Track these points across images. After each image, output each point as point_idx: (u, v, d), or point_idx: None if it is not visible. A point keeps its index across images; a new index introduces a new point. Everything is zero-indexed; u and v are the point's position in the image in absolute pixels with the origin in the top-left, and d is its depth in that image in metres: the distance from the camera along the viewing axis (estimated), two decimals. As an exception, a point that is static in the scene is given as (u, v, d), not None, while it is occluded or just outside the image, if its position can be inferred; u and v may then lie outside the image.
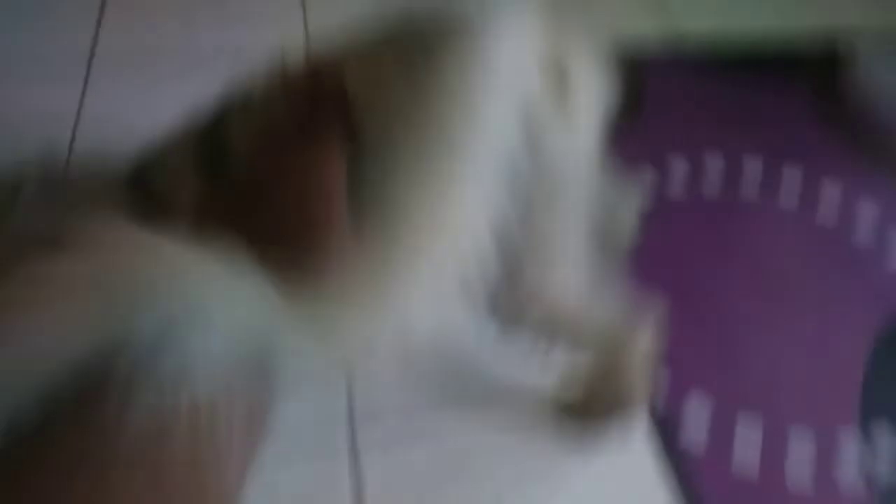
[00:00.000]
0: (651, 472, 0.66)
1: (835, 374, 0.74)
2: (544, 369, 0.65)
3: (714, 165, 0.91)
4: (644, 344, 0.59)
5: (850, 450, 0.69)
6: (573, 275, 0.54)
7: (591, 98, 0.51)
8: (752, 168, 0.92)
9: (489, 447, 0.65)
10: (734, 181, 0.90)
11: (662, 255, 0.81)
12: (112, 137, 0.73)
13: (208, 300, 0.34)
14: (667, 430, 0.69)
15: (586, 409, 0.65)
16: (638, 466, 0.67)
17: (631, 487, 0.65)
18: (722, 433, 0.69)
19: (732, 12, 1.14)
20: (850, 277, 0.83)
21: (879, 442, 0.69)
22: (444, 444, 0.64)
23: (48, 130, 0.79)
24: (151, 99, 0.83)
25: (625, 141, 0.81)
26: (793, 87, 1.04)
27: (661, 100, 1.00)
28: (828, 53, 1.09)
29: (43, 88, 0.84)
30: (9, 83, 0.85)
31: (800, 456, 0.69)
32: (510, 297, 0.53)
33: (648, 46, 1.05)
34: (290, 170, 0.44)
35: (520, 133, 0.44)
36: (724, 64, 1.06)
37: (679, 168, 0.90)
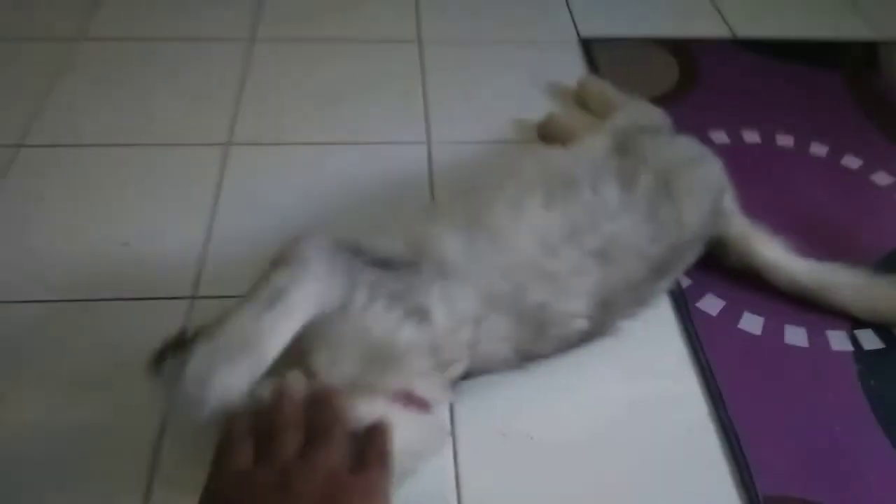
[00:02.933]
0: (671, 326, 0.86)
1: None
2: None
3: (751, 138, 1.12)
4: None
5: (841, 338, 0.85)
6: None
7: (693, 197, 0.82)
8: (784, 143, 1.12)
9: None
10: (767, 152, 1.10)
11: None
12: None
13: None
14: (684, 300, 0.88)
15: None
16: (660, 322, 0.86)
17: (652, 338, 0.84)
18: (730, 315, 0.87)
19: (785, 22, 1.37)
20: (861, 213, 1.00)
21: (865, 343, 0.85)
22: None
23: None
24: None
25: (676, 113, 1.05)
26: (830, 80, 1.23)
27: (712, 78, 1.22)
28: (868, 53, 1.30)
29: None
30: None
31: (797, 333, 0.86)
32: None
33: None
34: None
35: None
36: (773, 54, 1.28)
37: (719, 140, 1.12)
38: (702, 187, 0.85)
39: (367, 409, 0.59)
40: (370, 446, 0.55)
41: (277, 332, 0.60)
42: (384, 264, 0.69)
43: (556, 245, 0.74)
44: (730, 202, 0.89)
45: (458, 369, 0.70)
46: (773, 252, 0.87)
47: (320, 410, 0.55)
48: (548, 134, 1.09)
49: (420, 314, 0.67)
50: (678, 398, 0.79)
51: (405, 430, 0.60)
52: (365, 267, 0.67)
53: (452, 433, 0.74)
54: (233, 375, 0.57)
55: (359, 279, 0.65)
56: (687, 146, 0.93)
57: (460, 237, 0.73)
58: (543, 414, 0.76)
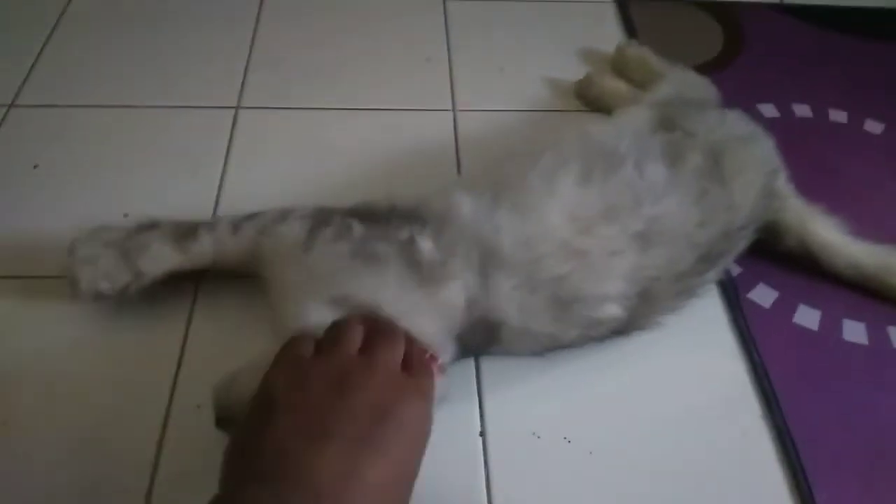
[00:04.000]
0: (719, 319, 0.79)
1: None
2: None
3: (801, 112, 1.04)
4: None
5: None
6: None
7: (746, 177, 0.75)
8: (837, 118, 1.03)
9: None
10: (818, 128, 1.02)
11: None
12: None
13: None
14: (735, 290, 0.81)
15: None
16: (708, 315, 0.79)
17: (699, 333, 0.77)
18: (784, 307, 0.80)
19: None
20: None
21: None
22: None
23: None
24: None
25: (720, 84, 0.97)
26: (889, 53, 1.13)
27: (759, 46, 1.13)
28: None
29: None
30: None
31: (856, 329, 0.79)
32: None
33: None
34: None
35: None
36: (826, 22, 1.18)
37: (768, 114, 1.03)
38: (754, 167, 0.78)
39: None
40: (417, 356, 0.58)
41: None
42: (377, 217, 0.68)
43: (589, 223, 0.68)
44: (783, 183, 0.81)
45: (456, 308, 0.65)
46: (832, 234, 0.80)
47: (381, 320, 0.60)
48: (587, 95, 1.01)
49: (398, 245, 0.65)
50: (728, 400, 0.72)
51: None
52: (342, 216, 0.68)
53: (483, 432, 0.68)
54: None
55: (330, 223, 0.68)
56: (737, 122, 0.85)
57: (478, 200, 0.69)
58: (580, 415, 0.70)
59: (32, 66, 1.01)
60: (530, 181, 0.70)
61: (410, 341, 0.60)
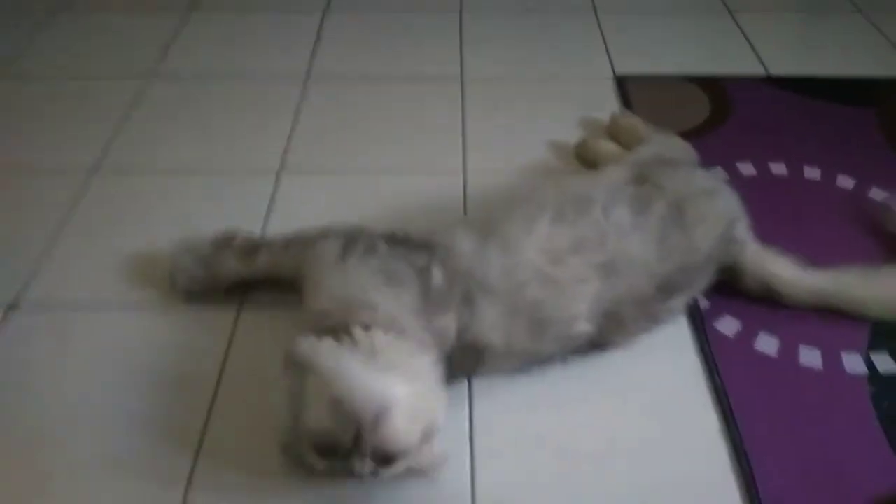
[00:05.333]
0: (686, 345, 0.89)
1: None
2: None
3: (777, 170, 1.15)
4: None
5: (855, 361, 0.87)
6: None
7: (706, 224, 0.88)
8: (811, 175, 1.15)
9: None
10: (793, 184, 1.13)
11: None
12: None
13: None
14: (702, 320, 0.91)
15: None
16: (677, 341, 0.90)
17: (668, 356, 0.88)
18: (746, 336, 0.90)
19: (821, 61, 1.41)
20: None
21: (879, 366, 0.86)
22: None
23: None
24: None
25: (705, 147, 1.10)
26: (863, 115, 1.26)
27: (743, 113, 1.26)
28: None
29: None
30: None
31: (811, 355, 0.88)
32: None
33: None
34: None
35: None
36: (805, 91, 1.32)
37: (746, 172, 1.15)
38: (715, 216, 0.90)
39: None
40: None
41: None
42: (397, 240, 0.84)
43: (560, 256, 0.82)
44: (743, 231, 0.93)
45: (450, 335, 0.77)
46: (788, 269, 0.91)
47: None
48: (583, 156, 1.16)
49: (416, 269, 0.80)
50: (691, 414, 0.82)
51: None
52: (370, 236, 0.84)
53: (470, 435, 0.80)
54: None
55: (360, 241, 0.83)
56: (704, 178, 0.99)
57: (474, 238, 0.83)
58: (558, 422, 0.81)
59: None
60: (513, 222, 0.85)
61: None
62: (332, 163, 1.17)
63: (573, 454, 0.78)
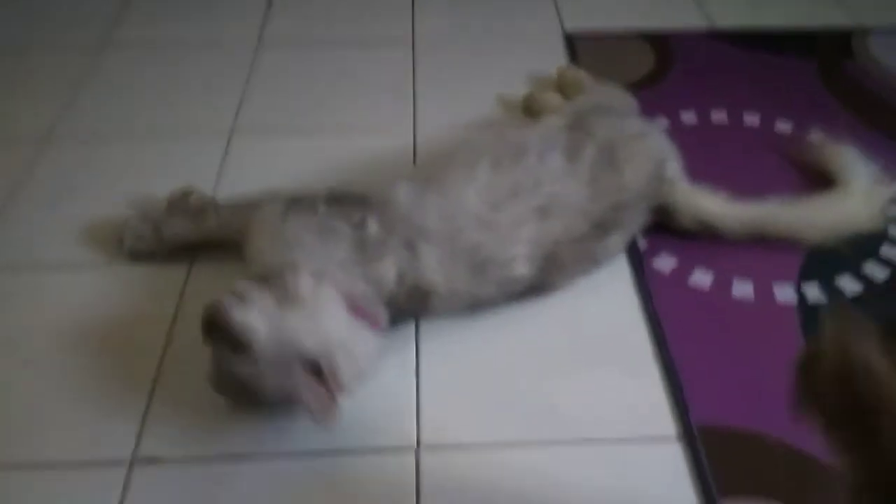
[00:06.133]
0: (625, 282, 0.93)
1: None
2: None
3: (718, 118, 1.19)
4: None
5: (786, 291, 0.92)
6: None
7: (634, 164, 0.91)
8: (750, 121, 1.18)
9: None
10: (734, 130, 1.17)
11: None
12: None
13: None
14: (639, 258, 0.95)
15: None
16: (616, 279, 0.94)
17: (607, 292, 0.92)
18: (681, 272, 0.94)
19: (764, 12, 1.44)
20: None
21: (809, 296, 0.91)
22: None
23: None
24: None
25: (648, 98, 1.13)
26: (803, 65, 1.29)
27: (686, 65, 1.30)
28: (843, 41, 1.35)
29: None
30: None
31: (744, 287, 0.92)
32: None
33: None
34: None
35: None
36: (747, 43, 1.35)
37: (688, 121, 1.19)
38: (644, 157, 0.94)
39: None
40: None
41: None
42: (335, 198, 0.87)
43: (498, 201, 0.85)
44: (674, 170, 0.96)
45: (388, 280, 0.81)
46: (719, 204, 0.95)
47: None
48: (530, 109, 1.19)
49: (351, 224, 0.83)
50: (626, 341, 0.86)
51: (360, 342, 0.75)
52: (315, 198, 0.87)
53: (416, 362, 0.84)
54: None
55: (303, 202, 0.86)
56: (634, 123, 1.02)
57: (413, 187, 0.86)
58: (498, 351, 0.85)
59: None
60: (451, 170, 0.88)
61: None
62: (283, 124, 1.19)
63: (512, 384, 0.82)
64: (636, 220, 0.93)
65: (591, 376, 0.82)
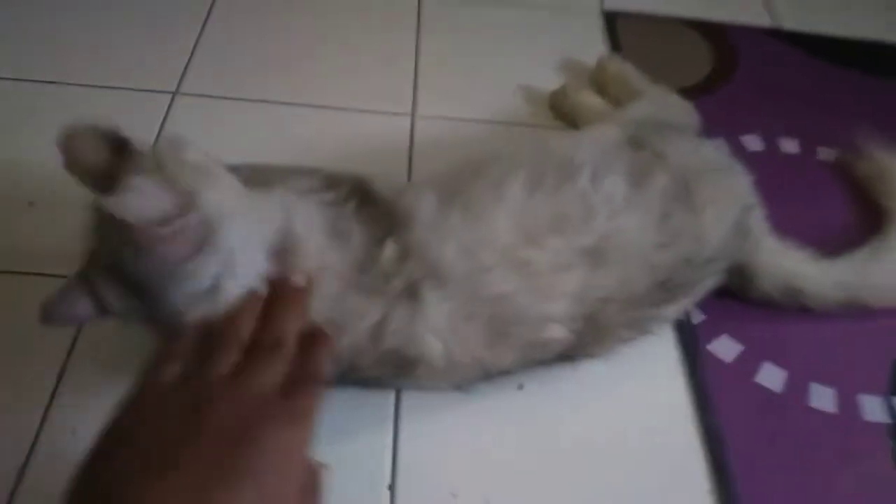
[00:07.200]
0: (674, 370, 0.71)
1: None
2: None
3: (788, 147, 0.96)
4: None
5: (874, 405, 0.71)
6: None
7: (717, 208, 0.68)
8: (825, 157, 0.96)
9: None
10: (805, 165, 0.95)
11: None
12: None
13: None
14: (694, 338, 0.73)
15: None
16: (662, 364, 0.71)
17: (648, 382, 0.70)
18: (747, 364, 0.72)
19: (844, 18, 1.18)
20: None
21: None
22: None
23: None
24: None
25: (705, 109, 0.89)
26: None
27: (751, 72, 1.05)
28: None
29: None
30: None
31: (824, 395, 0.71)
32: None
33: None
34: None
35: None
36: (825, 54, 1.10)
37: (750, 147, 0.96)
38: (728, 200, 0.71)
39: None
40: (308, 362, 0.48)
41: None
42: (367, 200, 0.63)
43: (536, 233, 0.62)
44: (759, 221, 0.74)
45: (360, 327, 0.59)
46: (811, 264, 0.74)
47: (279, 316, 0.50)
48: (560, 108, 0.94)
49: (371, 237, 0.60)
50: (674, 468, 0.64)
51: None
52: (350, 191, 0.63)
53: (392, 489, 0.60)
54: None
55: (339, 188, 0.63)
56: (714, 152, 0.78)
57: (436, 201, 0.63)
58: (501, 471, 0.62)
59: None
60: (479, 184, 0.64)
61: (298, 360, 0.49)
62: (240, 89, 0.91)
63: None
64: (707, 283, 0.70)
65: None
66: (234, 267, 0.53)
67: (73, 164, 0.54)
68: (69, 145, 0.54)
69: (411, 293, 0.58)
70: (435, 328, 0.59)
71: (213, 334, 0.49)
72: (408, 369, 0.60)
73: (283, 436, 0.43)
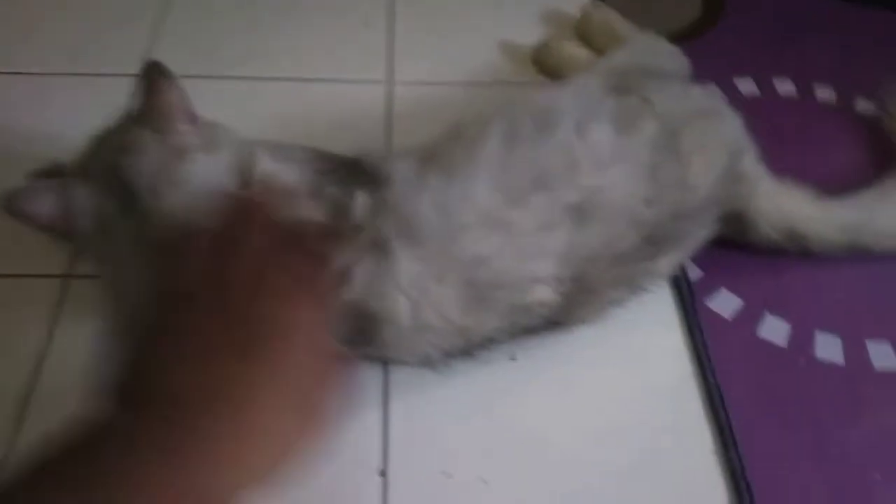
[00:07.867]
0: (671, 328, 0.68)
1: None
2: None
3: (784, 89, 0.92)
4: None
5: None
6: None
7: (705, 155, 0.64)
8: (824, 96, 0.91)
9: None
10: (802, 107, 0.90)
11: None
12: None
13: None
14: (691, 295, 0.70)
15: None
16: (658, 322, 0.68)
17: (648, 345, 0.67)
18: (748, 318, 0.69)
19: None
20: None
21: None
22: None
23: None
24: None
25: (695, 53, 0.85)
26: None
27: (740, 12, 1.00)
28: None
29: None
30: None
31: (830, 345, 0.68)
32: None
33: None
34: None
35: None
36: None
37: (744, 89, 0.91)
38: (717, 146, 0.67)
39: None
40: (320, 253, 0.48)
41: None
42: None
43: (517, 192, 0.59)
44: (752, 165, 0.70)
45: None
46: (812, 204, 0.71)
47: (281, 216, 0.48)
48: (545, 63, 0.90)
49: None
50: (675, 430, 0.62)
51: None
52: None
53: (384, 472, 0.58)
54: None
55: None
56: (702, 96, 0.73)
57: (411, 164, 0.61)
58: (498, 450, 0.59)
59: None
60: (459, 145, 0.62)
61: (310, 251, 0.48)
62: (208, 64, 0.88)
63: (516, 492, 0.57)
64: (698, 234, 0.66)
65: (624, 490, 0.58)
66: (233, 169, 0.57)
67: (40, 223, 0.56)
68: (24, 211, 0.55)
69: (381, 247, 0.56)
70: (402, 285, 0.56)
71: (223, 232, 0.48)
72: (371, 331, 0.57)
73: (303, 317, 0.43)
